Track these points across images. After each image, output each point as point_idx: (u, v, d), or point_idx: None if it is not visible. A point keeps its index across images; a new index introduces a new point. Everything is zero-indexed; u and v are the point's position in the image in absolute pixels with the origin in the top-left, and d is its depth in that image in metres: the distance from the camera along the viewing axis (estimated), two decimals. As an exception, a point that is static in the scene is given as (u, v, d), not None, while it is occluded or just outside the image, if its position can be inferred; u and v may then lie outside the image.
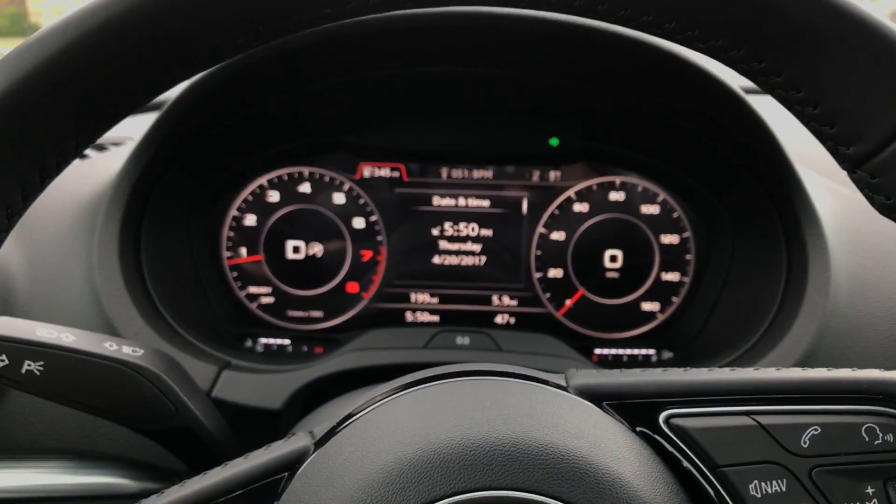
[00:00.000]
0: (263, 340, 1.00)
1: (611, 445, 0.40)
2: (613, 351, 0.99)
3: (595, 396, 0.45)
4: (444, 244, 1.00)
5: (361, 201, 0.99)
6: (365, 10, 0.39)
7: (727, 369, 0.47)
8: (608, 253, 0.99)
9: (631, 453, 0.41)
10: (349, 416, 0.45)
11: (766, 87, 0.40)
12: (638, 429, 0.44)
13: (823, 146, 0.41)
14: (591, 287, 1.00)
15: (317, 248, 1.00)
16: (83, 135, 0.38)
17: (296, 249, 1.00)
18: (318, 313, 1.01)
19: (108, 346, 0.60)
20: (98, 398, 0.60)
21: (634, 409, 0.45)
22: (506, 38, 0.82)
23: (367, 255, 1.00)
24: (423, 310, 1.01)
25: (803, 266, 0.82)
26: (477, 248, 1.00)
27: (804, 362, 0.79)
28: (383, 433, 0.41)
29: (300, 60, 0.85)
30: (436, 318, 1.01)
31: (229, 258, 1.00)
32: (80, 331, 0.61)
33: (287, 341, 1.00)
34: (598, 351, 1.00)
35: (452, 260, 1.00)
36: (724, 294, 0.95)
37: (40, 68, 0.34)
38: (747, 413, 0.44)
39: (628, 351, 0.99)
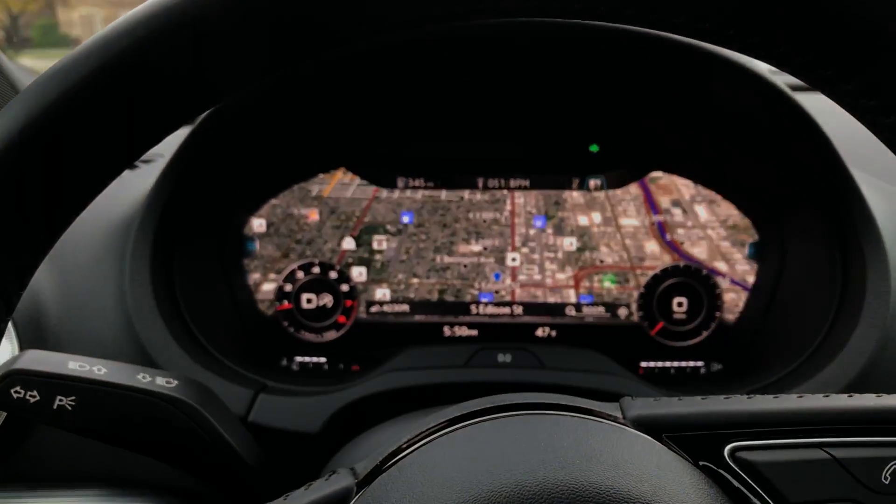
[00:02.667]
0: (299, 359, 0.98)
1: (675, 487, 0.38)
2: (660, 364, 0.96)
3: (654, 428, 0.43)
4: (480, 256, 0.98)
5: (397, 212, 0.97)
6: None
7: (794, 396, 0.44)
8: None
9: (697, 494, 0.38)
10: (393, 454, 0.43)
11: (832, 95, 0.37)
12: (701, 463, 0.41)
13: None
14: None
15: (350, 259, 0.98)
16: (106, 170, 0.36)
17: (330, 266, 0.98)
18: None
19: (141, 378, 0.59)
20: (132, 432, 0.58)
21: (697, 442, 0.42)
22: (545, 45, 0.80)
23: (402, 266, 0.98)
24: (460, 324, 0.98)
25: (861, 273, 0.79)
26: (515, 256, 0.97)
27: (864, 375, 0.75)
28: (431, 478, 0.38)
29: (334, 75, 0.84)
30: (474, 333, 0.98)
31: (263, 276, 0.98)
32: (113, 363, 0.60)
33: (323, 359, 0.98)
34: (643, 364, 0.96)
35: (490, 271, 0.98)
36: (775, 303, 0.91)
37: (61, 99, 0.32)
38: (820, 445, 0.41)
39: (675, 363, 0.96)
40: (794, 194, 0.87)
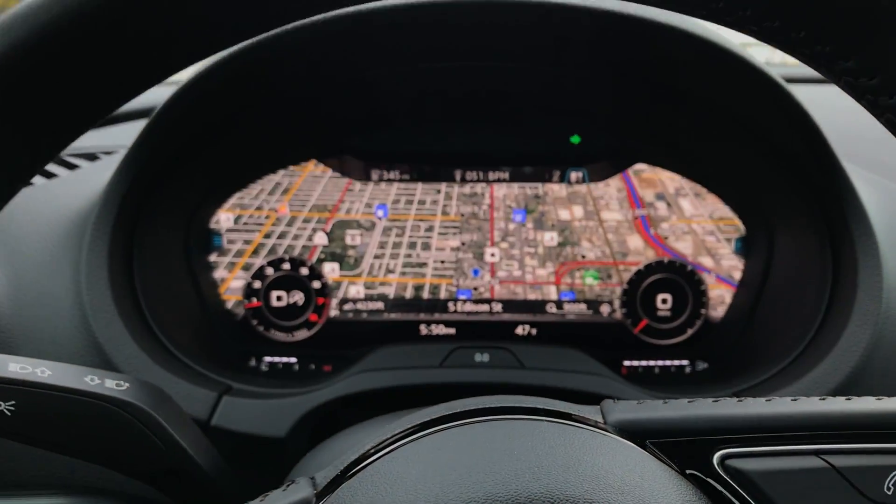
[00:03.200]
0: (268, 359, 0.94)
1: (660, 498, 0.35)
2: (643, 363, 0.93)
3: (637, 434, 0.40)
4: (457, 251, 0.94)
5: (371, 206, 0.93)
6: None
7: (788, 399, 0.41)
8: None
9: None
10: (355, 462, 0.39)
11: (831, 75, 0.34)
12: (688, 471, 0.39)
13: None
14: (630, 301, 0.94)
15: (322, 255, 0.94)
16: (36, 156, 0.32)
17: (300, 262, 0.94)
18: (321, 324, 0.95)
19: (89, 381, 0.54)
20: (78, 440, 0.54)
21: (683, 449, 0.39)
22: (525, 32, 0.76)
23: (377, 262, 0.94)
24: (437, 322, 0.95)
25: (852, 269, 0.76)
26: (494, 252, 0.94)
27: (857, 374, 0.72)
28: (395, 489, 0.35)
29: (305, 62, 0.80)
30: (451, 331, 0.95)
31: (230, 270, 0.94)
32: (59, 364, 0.56)
33: (293, 359, 0.94)
34: (626, 363, 0.93)
35: (469, 267, 0.95)
36: (763, 299, 0.88)
37: None
38: (816, 453, 0.38)
39: (659, 362, 0.93)
40: (782, 186, 0.85)
